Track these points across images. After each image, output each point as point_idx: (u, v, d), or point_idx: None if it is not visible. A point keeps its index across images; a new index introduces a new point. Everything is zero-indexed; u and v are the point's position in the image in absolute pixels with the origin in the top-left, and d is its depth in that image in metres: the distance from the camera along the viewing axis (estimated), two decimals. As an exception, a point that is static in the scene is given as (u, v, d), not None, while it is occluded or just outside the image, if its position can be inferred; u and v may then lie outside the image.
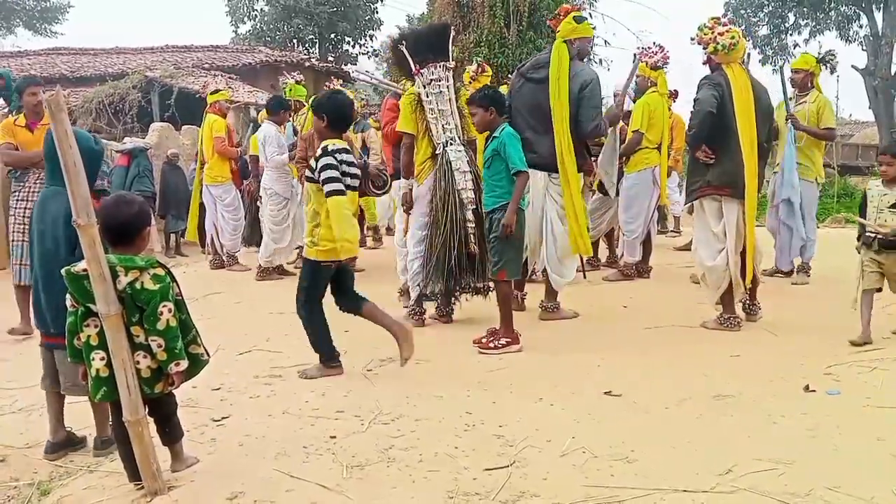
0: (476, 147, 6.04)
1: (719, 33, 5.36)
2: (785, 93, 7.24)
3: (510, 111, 5.58)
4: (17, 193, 5.72)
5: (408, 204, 5.86)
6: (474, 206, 5.49)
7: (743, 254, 5.50)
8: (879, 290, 5.18)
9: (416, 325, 5.52)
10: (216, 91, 9.21)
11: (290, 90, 9.24)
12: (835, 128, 7.45)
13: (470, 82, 7.36)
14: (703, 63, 5.62)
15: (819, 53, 7.53)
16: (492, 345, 5.03)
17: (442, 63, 5.65)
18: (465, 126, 5.72)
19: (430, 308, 5.97)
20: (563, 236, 5.74)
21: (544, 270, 7.58)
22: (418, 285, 5.76)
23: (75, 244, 3.23)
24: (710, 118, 5.34)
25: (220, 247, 9.36)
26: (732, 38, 5.34)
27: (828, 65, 7.34)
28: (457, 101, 5.71)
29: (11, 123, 5.82)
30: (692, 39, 5.58)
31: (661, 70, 7.70)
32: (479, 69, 7.54)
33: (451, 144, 5.59)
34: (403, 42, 5.76)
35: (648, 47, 7.86)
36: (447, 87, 5.66)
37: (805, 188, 7.31)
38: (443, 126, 5.62)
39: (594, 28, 6.14)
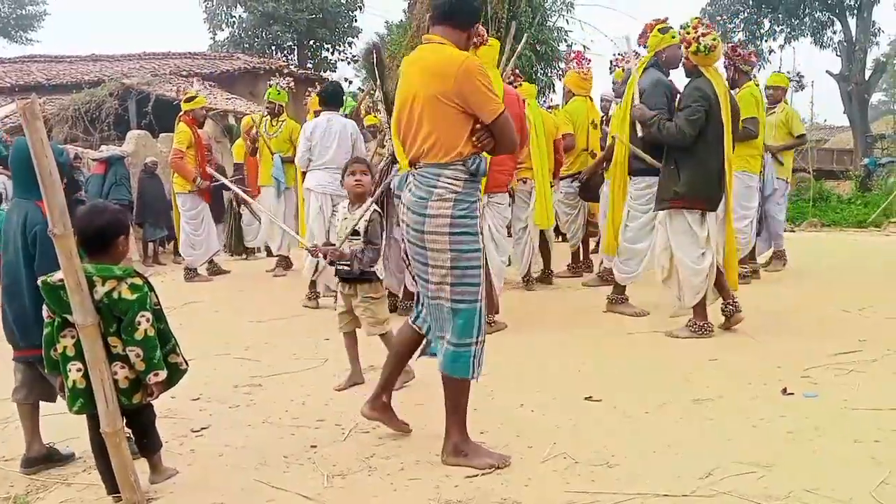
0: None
1: (702, 34, 5.30)
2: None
3: None
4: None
5: None
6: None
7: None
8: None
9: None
10: (190, 98, 8.90)
11: (278, 93, 9.02)
12: (805, 133, 8.59)
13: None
14: (681, 63, 5.57)
15: (791, 73, 8.98)
16: None
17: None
18: None
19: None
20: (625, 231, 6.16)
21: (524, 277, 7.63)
22: None
23: (32, 256, 3.21)
24: (687, 142, 5.27)
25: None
26: (714, 39, 5.30)
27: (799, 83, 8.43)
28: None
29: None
30: (673, 38, 5.60)
31: None
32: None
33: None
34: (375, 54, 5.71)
35: (623, 53, 7.91)
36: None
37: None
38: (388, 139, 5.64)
39: (674, 37, 5.91)
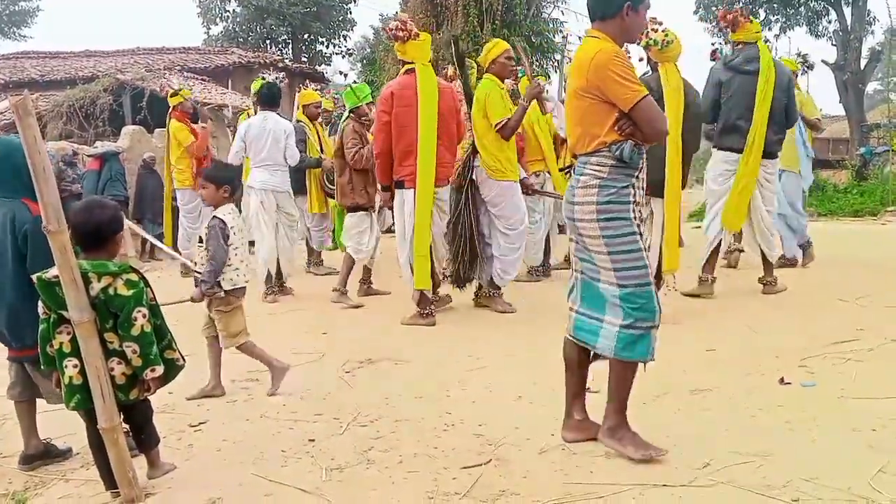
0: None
1: (652, 29, 5.56)
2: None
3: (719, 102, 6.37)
4: None
5: None
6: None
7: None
8: None
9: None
10: (174, 93, 8.86)
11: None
12: (819, 119, 8.66)
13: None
14: (640, 60, 5.92)
15: (797, 57, 8.87)
16: None
17: None
18: None
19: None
20: (766, 215, 6.54)
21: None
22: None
23: (21, 256, 3.18)
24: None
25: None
26: (666, 35, 5.54)
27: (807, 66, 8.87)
28: None
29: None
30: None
31: None
32: None
33: None
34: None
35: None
36: None
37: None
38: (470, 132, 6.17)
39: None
